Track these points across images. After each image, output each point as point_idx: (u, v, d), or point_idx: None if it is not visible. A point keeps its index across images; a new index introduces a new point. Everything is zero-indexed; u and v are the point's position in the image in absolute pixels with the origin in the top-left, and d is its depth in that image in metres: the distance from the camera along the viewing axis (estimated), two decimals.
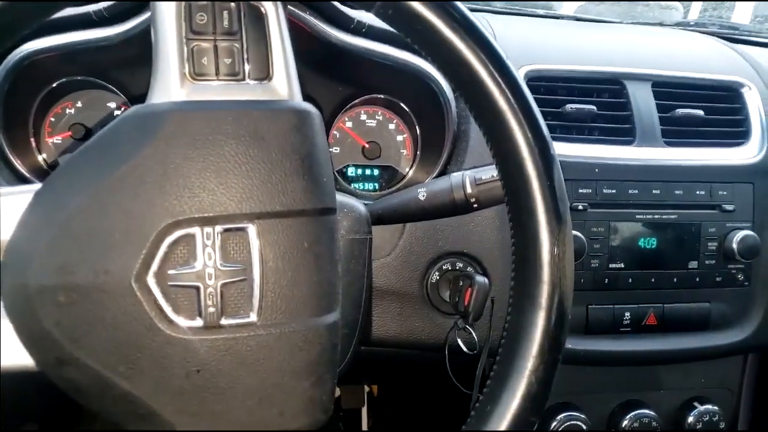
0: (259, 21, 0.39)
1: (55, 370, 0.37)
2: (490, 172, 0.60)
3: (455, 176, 0.62)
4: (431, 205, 0.62)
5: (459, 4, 0.38)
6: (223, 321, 0.35)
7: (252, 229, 0.35)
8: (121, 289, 0.34)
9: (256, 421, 0.36)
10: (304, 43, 0.73)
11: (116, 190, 0.35)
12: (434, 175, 0.78)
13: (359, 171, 0.88)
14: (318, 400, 0.38)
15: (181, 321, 0.35)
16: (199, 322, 0.35)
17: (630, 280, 0.78)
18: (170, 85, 0.37)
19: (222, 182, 0.35)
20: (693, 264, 0.79)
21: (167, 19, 0.37)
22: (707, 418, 0.82)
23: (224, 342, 0.35)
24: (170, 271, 0.34)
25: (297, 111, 0.38)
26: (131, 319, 0.34)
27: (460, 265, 0.74)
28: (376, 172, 0.88)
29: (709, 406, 0.83)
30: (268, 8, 0.39)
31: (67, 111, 0.79)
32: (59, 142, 0.79)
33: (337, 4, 0.69)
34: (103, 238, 0.34)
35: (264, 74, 0.39)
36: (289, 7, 0.65)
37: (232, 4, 0.38)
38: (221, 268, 0.35)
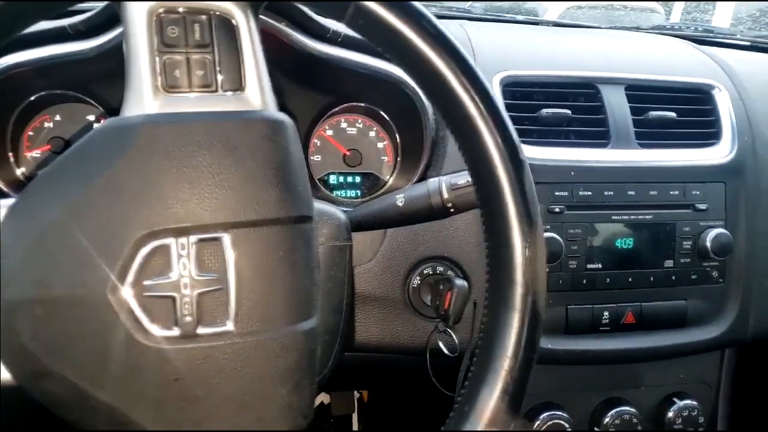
0: (230, 33, 0.39)
1: (32, 383, 0.37)
2: (466, 178, 0.61)
3: (432, 182, 0.63)
4: (409, 211, 0.63)
5: (427, 12, 0.39)
6: (200, 330, 0.35)
7: (227, 239, 0.36)
8: (98, 301, 0.34)
9: (234, 428, 0.37)
10: (281, 53, 0.73)
11: (91, 202, 0.35)
12: (414, 181, 0.79)
13: (341, 178, 0.89)
14: (297, 405, 0.39)
15: (158, 331, 0.35)
16: (175, 332, 0.35)
17: (608, 280, 0.79)
18: (143, 97, 0.38)
19: (196, 192, 0.35)
20: (669, 263, 0.80)
21: (139, 33, 0.38)
22: (686, 413, 0.83)
23: (201, 351, 0.35)
24: (146, 282, 0.35)
25: (270, 121, 0.39)
26: (108, 330, 0.34)
27: (441, 269, 0.75)
28: (357, 179, 0.89)
29: (689, 401, 0.85)
30: (240, 20, 0.40)
31: (46, 125, 0.79)
32: (38, 155, 0.78)
33: (311, 14, 0.70)
34: (79, 250, 0.34)
35: (237, 85, 0.39)
36: (263, 18, 0.67)
37: (203, 16, 0.39)
38: (196, 277, 0.35)
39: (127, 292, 0.35)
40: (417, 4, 0.39)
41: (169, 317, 0.35)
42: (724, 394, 0.89)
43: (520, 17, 1.18)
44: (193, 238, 0.35)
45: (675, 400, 0.85)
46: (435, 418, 0.49)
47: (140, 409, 0.36)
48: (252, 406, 0.37)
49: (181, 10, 0.38)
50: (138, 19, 0.38)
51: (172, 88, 0.38)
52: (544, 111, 0.79)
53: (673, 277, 0.80)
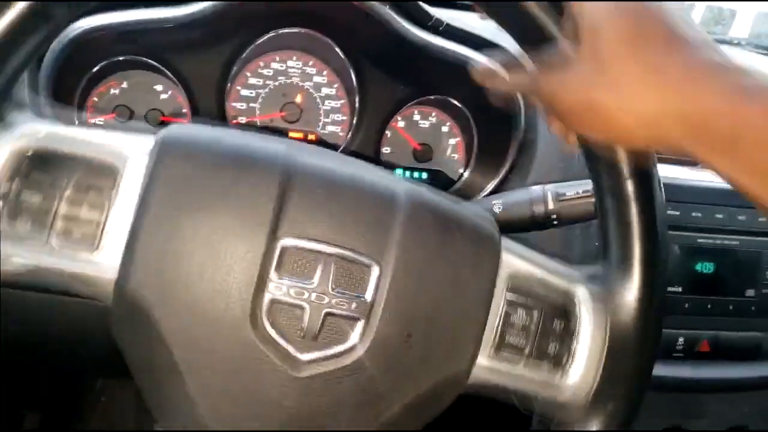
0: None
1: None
2: (574, 189, 0.58)
3: (535, 190, 0.59)
4: (507, 218, 0.59)
5: None
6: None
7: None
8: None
9: None
10: (375, 37, 0.69)
11: None
12: (493, 185, 0.75)
13: (407, 174, 0.85)
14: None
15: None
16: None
17: (686, 305, 0.75)
18: None
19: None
20: (750, 292, 0.77)
21: None
22: None
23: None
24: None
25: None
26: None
27: None
28: (425, 175, 0.85)
29: None
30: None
31: (112, 91, 0.74)
32: (101, 123, 0.74)
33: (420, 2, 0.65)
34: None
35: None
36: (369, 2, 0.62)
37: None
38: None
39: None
40: None
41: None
42: None
43: None
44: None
45: None
46: None
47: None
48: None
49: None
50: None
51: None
52: None
53: (753, 308, 0.77)
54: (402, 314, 0.35)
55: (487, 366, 0.38)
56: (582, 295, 0.41)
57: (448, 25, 0.66)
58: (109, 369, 0.94)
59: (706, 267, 0.75)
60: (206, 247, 0.33)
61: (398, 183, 0.39)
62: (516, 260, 0.41)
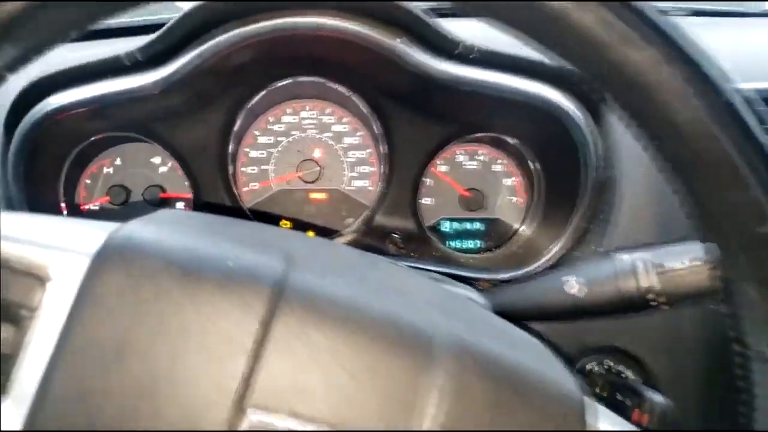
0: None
1: None
2: (681, 257, 0.41)
3: (623, 260, 0.43)
4: (588, 303, 0.44)
5: None
6: None
7: None
8: None
9: None
10: (393, 76, 0.56)
11: None
12: (565, 236, 0.59)
13: (455, 225, 0.71)
14: None
15: None
16: None
17: None
18: None
19: None
20: None
21: None
22: None
23: None
24: None
25: None
26: None
27: (612, 365, 0.55)
28: (477, 226, 0.70)
29: None
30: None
31: (105, 170, 0.65)
32: (96, 208, 0.65)
33: (437, 25, 0.51)
34: None
35: None
36: (377, 36, 0.49)
37: None
38: None
39: None
40: None
41: None
42: None
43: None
44: None
45: None
46: None
47: None
48: None
49: None
50: None
51: None
52: None
53: None
54: None
55: None
56: None
57: (479, 51, 0.52)
58: None
59: None
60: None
61: (435, 323, 0.27)
62: None
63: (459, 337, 0.26)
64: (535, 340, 0.32)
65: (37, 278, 0.28)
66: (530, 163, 0.65)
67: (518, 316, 0.48)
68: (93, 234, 0.28)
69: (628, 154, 0.55)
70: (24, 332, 0.28)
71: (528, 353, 0.28)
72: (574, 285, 0.44)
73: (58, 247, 0.28)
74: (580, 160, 0.56)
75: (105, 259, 0.27)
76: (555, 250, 0.58)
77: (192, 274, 0.27)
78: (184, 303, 0.26)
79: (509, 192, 0.69)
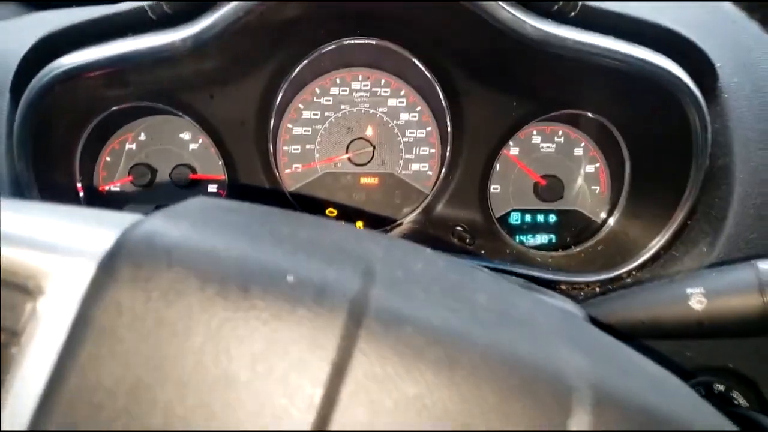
0: None
1: None
2: None
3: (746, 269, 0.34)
4: (714, 319, 0.34)
5: None
6: None
7: None
8: None
9: None
10: (471, 40, 0.46)
11: None
12: (666, 234, 0.49)
13: (528, 218, 0.61)
14: None
15: None
16: None
17: None
18: None
19: None
20: None
21: None
22: None
23: None
24: None
25: None
26: None
27: (721, 388, 0.45)
28: (553, 218, 0.61)
29: None
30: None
31: (127, 146, 0.57)
32: (117, 190, 0.57)
33: None
34: None
35: None
36: None
37: None
38: None
39: None
40: None
41: None
42: None
43: None
44: None
45: None
46: None
47: None
48: None
49: None
50: None
51: None
52: None
53: None
54: None
55: None
56: None
57: (583, 5, 0.41)
58: None
59: None
60: None
61: (566, 361, 0.21)
62: None
63: (596, 380, 0.20)
64: (675, 378, 0.23)
65: (23, 291, 0.21)
66: (621, 146, 0.55)
67: (627, 332, 0.38)
68: (101, 231, 0.21)
69: (746, 139, 0.45)
70: (6, 366, 0.20)
71: (674, 396, 0.20)
72: (702, 299, 0.35)
73: (54, 247, 0.21)
74: (691, 144, 0.46)
75: (115, 268, 0.20)
76: (655, 249, 0.48)
77: (237, 295, 0.19)
78: (225, 338, 0.18)
79: (592, 180, 0.59)
